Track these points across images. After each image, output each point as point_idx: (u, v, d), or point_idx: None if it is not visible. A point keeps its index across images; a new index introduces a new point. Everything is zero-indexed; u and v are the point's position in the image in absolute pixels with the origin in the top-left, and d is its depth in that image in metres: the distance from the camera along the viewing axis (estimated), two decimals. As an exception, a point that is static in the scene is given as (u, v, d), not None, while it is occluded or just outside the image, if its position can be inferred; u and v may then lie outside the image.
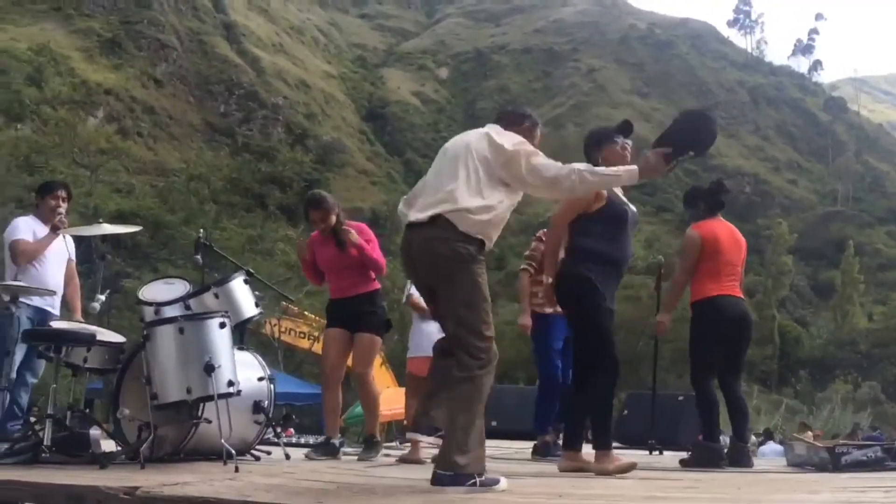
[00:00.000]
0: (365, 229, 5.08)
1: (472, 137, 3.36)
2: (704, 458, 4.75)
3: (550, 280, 4.12)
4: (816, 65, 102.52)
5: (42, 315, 4.95)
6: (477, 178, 3.19)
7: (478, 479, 2.92)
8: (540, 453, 5.39)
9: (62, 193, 5.18)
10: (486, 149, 3.24)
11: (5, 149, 21.85)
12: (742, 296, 5.05)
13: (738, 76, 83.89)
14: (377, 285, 5.09)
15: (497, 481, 2.97)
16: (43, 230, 5.07)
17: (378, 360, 17.21)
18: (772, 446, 11.48)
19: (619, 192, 4.15)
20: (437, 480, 2.93)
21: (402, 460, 4.68)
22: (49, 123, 28.95)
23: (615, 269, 4.07)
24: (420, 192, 3.34)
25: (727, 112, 78.36)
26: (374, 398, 5.11)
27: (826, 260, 55.91)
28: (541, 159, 3.26)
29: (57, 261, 5.13)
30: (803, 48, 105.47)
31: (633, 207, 4.21)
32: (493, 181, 3.22)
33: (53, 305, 5.06)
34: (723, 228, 5.03)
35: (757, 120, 78.58)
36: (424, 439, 3.67)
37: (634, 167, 3.39)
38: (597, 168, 3.52)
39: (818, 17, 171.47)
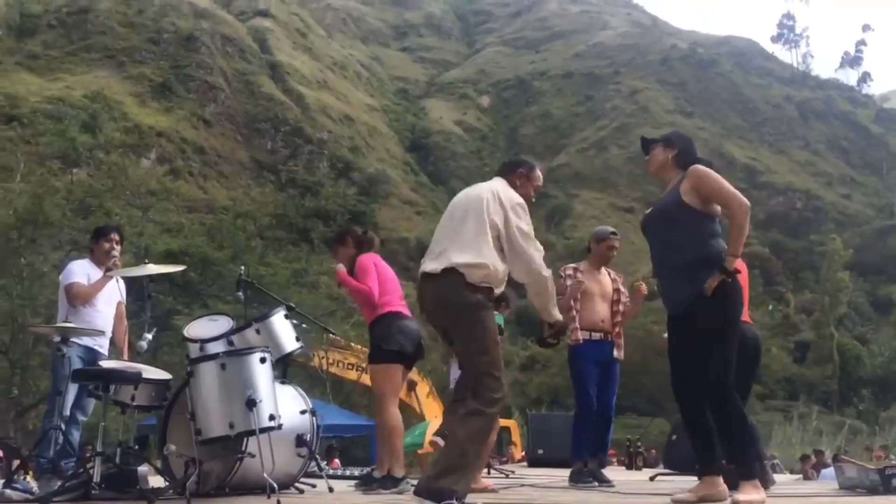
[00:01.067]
0: (359, 262, 5.07)
1: (484, 192, 3.65)
2: None
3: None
4: (866, 76, 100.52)
5: (92, 355, 5.11)
6: (483, 234, 3.50)
7: None
8: (575, 480, 5.42)
9: (115, 236, 5.37)
10: (492, 208, 3.56)
11: (61, 194, 22.74)
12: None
13: (784, 91, 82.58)
14: (381, 312, 4.95)
15: None
16: (97, 273, 5.25)
17: (425, 388, 17.25)
18: (830, 471, 11.12)
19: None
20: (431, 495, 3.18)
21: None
22: (102, 167, 29.99)
23: None
24: (434, 244, 3.64)
25: (775, 128, 77.14)
26: (384, 430, 4.91)
27: (885, 275, 54.26)
28: (533, 249, 3.56)
29: (107, 302, 5.31)
30: (851, 60, 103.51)
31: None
32: (495, 240, 3.53)
33: (102, 346, 5.23)
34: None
35: (806, 135, 77.11)
36: None
37: (557, 315, 3.72)
38: (551, 288, 3.68)
39: (865, 28, 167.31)
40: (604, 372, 5.50)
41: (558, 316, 3.75)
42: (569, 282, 5.53)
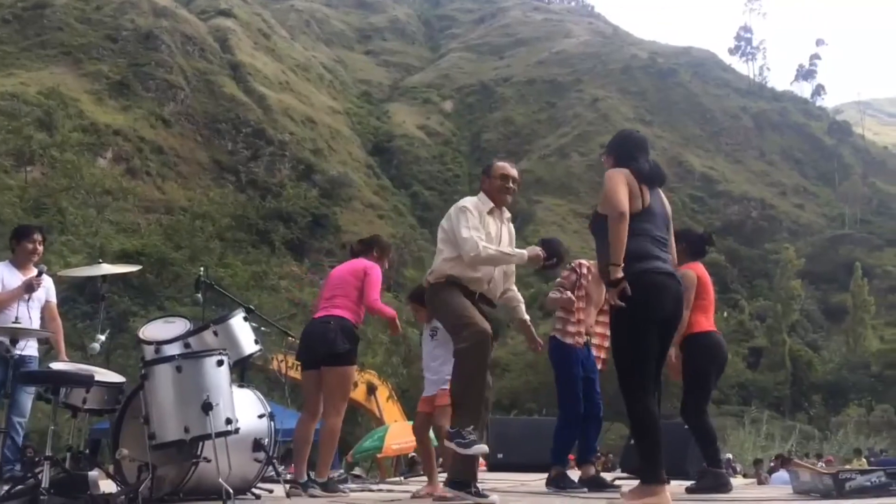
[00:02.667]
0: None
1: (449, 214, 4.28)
2: (711, 484, 4.88)
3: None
4: (819, 89, 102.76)
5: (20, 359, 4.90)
6: (442, 244, 4.23)
7: (463, 440, 3.84)
8: (555, 484, 5.29)
9: (38, 237, 5.22)
10: (444, 225, 4.25)
11: (14, 192, 22.10)
12: None
13: (741, 103, 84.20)
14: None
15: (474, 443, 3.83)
16: (15, 276, 5.07)
17: (385, 392, 17.17)
18: (783, 474, 11.31)
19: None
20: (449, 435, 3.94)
21: (415, 496, 4.66)
22: (57, 166, 29.24)
23: None
24: None
25: (732, 138, 78.59)
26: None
27: (836, 283, 55.57)
28: (458, 230, 4.10)
29: (30, 305, 5.11)
30: (805, 73, 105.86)
31: None
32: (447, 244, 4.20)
33: (23, 348, 5.02)
34: (705, 270, 5.36)
35: (762, 146, 78.69)
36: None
37: (524, 253, 4.18)
38: (488, 247, 4.11)
39: (819, 42, 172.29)
40: (588, 377, 5.42)
41: (523, 253, 4.20)
42: (581, 280, 5.36)
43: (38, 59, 54.29)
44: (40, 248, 5.18)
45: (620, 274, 3.65)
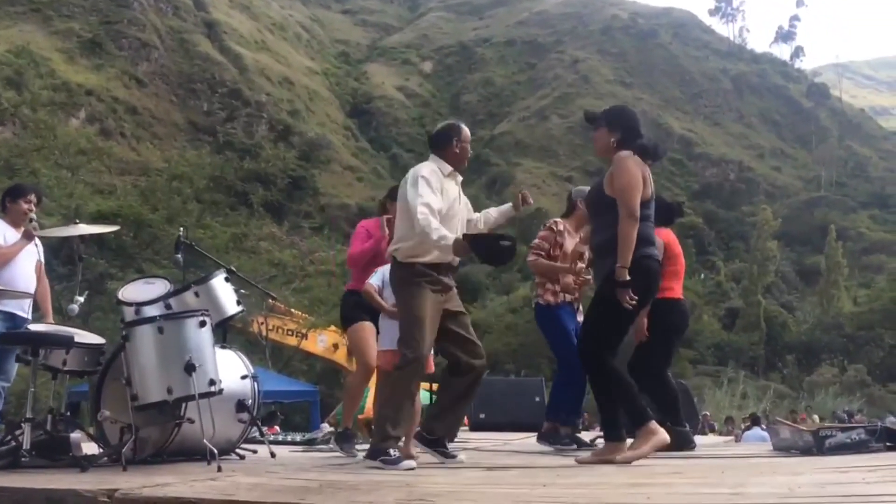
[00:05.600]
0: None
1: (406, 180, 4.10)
2: (676, 442, 4.82)
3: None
4: (798, 51, 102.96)
5: (14, 320, 4.86)
6: (402, 217, 4.05)
7: (389, 457, 3.71)
8: (546, 439, 5.31)
9: (33, 197, 5.09)
10: (404, 194, 4.04)
11: (-15, 152, 21.70)
12: None
13: (720, 65, 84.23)
14: None
15: (402, 461, 3.72)
16: (13, 234, 4.96)
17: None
18: (757, 432, 11.52)
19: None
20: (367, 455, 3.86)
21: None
22: (29, 126, 28.63)
23: None
24: None
25: (711, 101, 78.74)
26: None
27: (811, 245, 56.32)
28: (418, 209, 3.90)
29: (27, 264, 5.03)
30: (784, 35, 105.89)
31: None
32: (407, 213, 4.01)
33: (24, 309, 4.97)
34: (674, 237, 5.45)
35: (740, 108, 78.98)
36: (423, 448, 4.11)
37: (452, 241, 3.87)
38: (438, 229, 3.91)
39: (798, 3, 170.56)
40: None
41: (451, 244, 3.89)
42: (558, 238, 5.35)
43: (7, 17, 52.87)
44: (35, 208, 5.05)
45: (628, 277, 3.76)
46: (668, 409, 5.12)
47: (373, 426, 3.95)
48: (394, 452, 3.76)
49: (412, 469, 3.66)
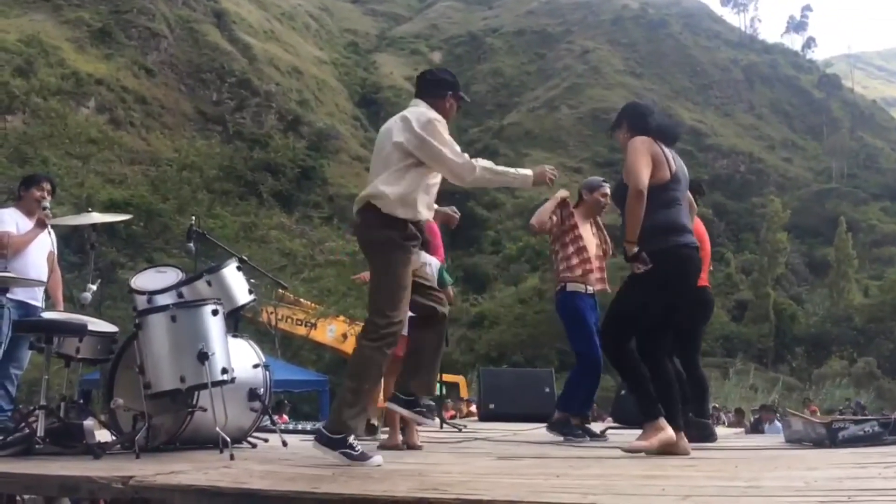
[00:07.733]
0: None
1: (393, 124, 3.64)
2: (696, 434, 4.87)
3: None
4: (810, 42, 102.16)
5: (26, 308, 4.88)
6: (395, 166, 3.53)
7: (353, 452, 3.33)
8: (557, 428, 5.31)
9: (47, 186, 5.12)
10: (401, 134, 3.55)
11: (-4, 141, 21.78)
12: None
13: (731, 55, 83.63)
14: None
15: (370, 457, 3.36)
16: (26, 223, 4.99)
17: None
18: (778, 425, 11.46)
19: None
20: (318, 438, 3.44)
21: (382, 446, 4.65)
22: (39, 114, 28.68)
23: None
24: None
25: (722, 91, 78.23)
26: None
27: (821, 237, 55.96)
28: (445, 151, 3.51)
29: (40, 253, 5.06)
30: (796, 25, 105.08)
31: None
32: (409, 164, 3.54)
33: (36, 298, 5.00)
34: (702, 224, 5.57)
35: (751, 99, 78.45)
36: (400, 411, 3.77)
37: (529, 172, 3.68)
38: (496, 167, 3.66)
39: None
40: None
41: (528, 173, 3.71)
42: (566, 211, 5.36)
43: (17, 6, 52.95)
44: (49, 196, 5.08)
45: (636, 249, 3.76)
46: (696, 399, 5.11)
47: (333, 406, 3.63)
48: (357, 446, 3.40)
49: (379, 465, 3.32)
